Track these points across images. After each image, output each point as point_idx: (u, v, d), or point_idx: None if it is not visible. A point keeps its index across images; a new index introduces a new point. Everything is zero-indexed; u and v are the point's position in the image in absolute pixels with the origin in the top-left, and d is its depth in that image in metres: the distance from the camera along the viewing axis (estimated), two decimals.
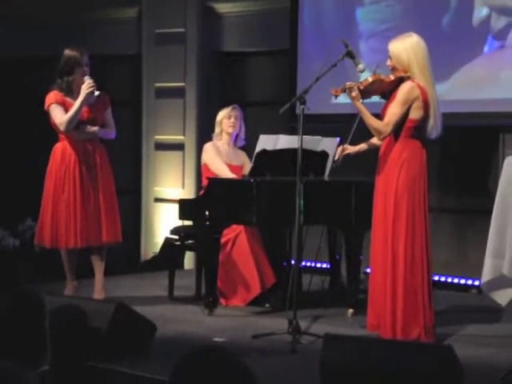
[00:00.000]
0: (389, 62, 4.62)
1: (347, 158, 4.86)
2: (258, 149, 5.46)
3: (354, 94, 4.55)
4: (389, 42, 4.67)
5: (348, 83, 4.62)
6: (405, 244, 4.49)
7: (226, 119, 5.96)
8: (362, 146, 4.90)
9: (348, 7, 6.93)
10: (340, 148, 4.88)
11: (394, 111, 4.54)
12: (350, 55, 4.74)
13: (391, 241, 4.51)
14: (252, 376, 1.69)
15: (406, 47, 4.55)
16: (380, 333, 4.56)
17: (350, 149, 4.85)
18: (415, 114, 4.55)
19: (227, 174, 5.75)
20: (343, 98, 4.82)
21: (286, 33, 7.09)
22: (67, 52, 5.44)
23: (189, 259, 7.18)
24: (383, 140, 4.64)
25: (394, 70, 4.60)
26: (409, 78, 4.56)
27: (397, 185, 4.53)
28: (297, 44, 7.04)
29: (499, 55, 6.25)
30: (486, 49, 6.33)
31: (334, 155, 5.06)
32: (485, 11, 6.30)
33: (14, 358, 1.96)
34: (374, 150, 4.86)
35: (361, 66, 4.71)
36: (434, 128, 4.57)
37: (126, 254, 7.34)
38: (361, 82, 4.61)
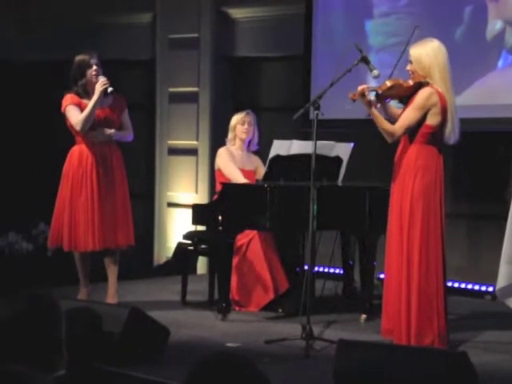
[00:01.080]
0: (409, 67, 4.60)
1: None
2: (271, 154, 5.46)
3: (368, 98, 4.54)
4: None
5: (365, 86, 4.58)
6: (419, 251, 4.48)
7: (240, 125, 5.95)
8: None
9: (357, 19, 6.82)
10: (365, 87, 4.58)
11: (408, 115, 4.53)
12: (365, 61, 4.73)
13: (406, 247, 4.50)
14: (268, 382, 1.69)
15: (428, 51, 4.54)
16: (393, 338, 4.54)
17: (372, 99, 4.55)
18: (432, 120, 4.53)
19: (240, 179, 5.75)
20: (357, 104, 4.80)
21: (300, 38, 7.09)
22: (77, 57, 5.53)
23: (202, 264, 7.18)
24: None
25: (413, 74, 4.58)
26: (428, 83, 4.54)
27: (412, 191, 4.51)
28: (311, 50, 7.02)
29: None
30: (499, 64, 6.21)
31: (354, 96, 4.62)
32: (499, 25, 6.17)
33: (30, 362, 1.96)
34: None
35: (375, 72, 4.69)
36: (451, 133, 4.55)
37: (138, 258, 7.35)
38: (379, 86, 4.59)
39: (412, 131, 4.56)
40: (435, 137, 4.56)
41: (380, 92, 4.56)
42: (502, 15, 6.18)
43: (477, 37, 6.25)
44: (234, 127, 5.97)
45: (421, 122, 4.53)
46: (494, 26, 6.20)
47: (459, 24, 6.32)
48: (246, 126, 5.94)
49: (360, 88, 4.57)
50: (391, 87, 4.57)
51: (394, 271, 4.56)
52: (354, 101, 4.62)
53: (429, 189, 4.52)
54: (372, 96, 4.55)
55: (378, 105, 4.60)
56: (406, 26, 6.37)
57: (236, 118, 5.98)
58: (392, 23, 6.62)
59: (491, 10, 6.22)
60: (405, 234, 4.50)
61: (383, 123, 4.57)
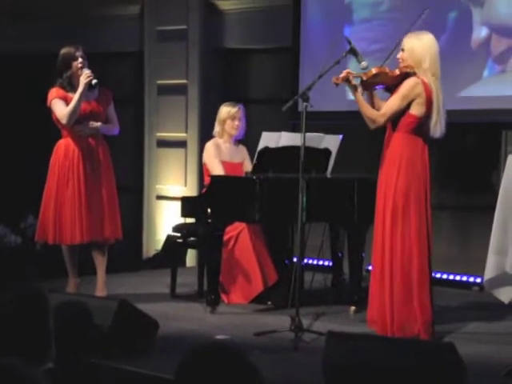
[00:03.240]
0: (399, 55, 4.61)
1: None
2: (260, 146, 5.45)
3: (353, 83, 4.55)
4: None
5: (349, 71, 4.59)
6: (402, 243, 4.49)
7: (230, 120, 5.83)
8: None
9: (336, 24, 6.67)
10: (348, 72, 4.62)
11: (392, 103, 4.55)
12: (353, 52, 4.74)
13: (389, 239, 4.51)
14: (258, 373, 1.69)
15: (423, 42, 4.56)
16: (376, 329, 4.56)
17: (357, 85, 4.62)
18: (416, 109, 4.54)
19: None
20: (345, 96, 4.80)
21: (289, 30, 7.09)
22: (62, 50, 5.56)
23: (191, 257, 7.18)
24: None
25: (403, 62, 4.58)
26: (414, 73, 4.55)
27: (396, 184, 4.53)
28: (299, 41, 7.01)
29: (500, 80, 6.01)
30: (485, 73, 6.11)
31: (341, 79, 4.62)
32: (484, 32, 6.05)
33: (18, 355, 1.96)
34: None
35: (364, 64, 4.69)
36: (437, 125, 4.55)
37: (127, 251, 7.35)
38: (365, 73, 4.59)
39: (395, 120, 4.57)
40: (420, 128, 4.57)
41: (365, 78, 4.57)
42: (487, 21, 6.05)
43: (461, 45, 6.10)
44: (224, 121, 5.85)
45: (404, 111, 4.54)
46: (479, 33, 6.06)
47: (443, 31, 6.11)
48: (236, 122, 5.84)
49: (344, 72, 4.58)
50: (376, 75, 4.57)
51: (378, 263, 4.58)
52: (337, 85, 4.62)
53: (413, 182, 4.53)
54: (357, 82, 4.56)
55: (362, 90, 4.61)
56: (387, 33, 6.21)
57: (226, 112, 5.83)
58: (373, 29, 6.47)
59: (476, 15, 6.09)
60: (387, 225, 4.52)
61: (366, 109, 4.59)
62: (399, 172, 4.53)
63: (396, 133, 4.58)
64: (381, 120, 4.56)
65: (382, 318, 4.54)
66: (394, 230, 4.51)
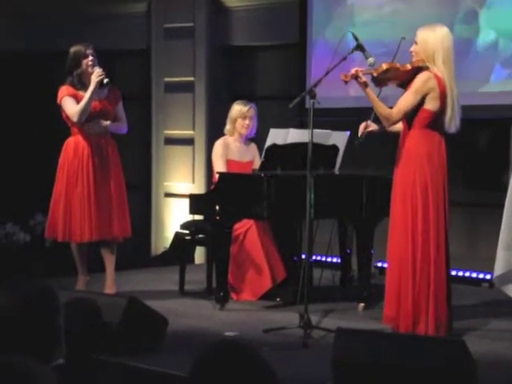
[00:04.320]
0: (413, 48, 4.57)
1: (368, 140, 4.73)
2: (268, 143, 5.43)
3: (363, 80, 4.52)
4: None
5: (358, 68, 4.55)
6: (422, 238, 4.43)
7: (241, 119, 5.79)
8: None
9: (340, 26, 6.57)
10: (363, 124, 4.76)
11: (405, 99, 4.50)
12: (360, 48, 4.72)
13: (411, 235, 4.43)
14: (272, 371, 1.69)
15: (436, 35, 4.50)
16: (394, 326, 4.52)
17: (373, 126, 4.75)
18: (431, 104, 4.48)
19: None
20: (353, 92, 4.79)
21: (295, 26, 7.08)
22: (72, 48, 5.55)
23: (199, 254, 7.19)
24: (390, 127, 4.59)
25: (415, 56, 4.54)
26: (427, 68, 4.51)
27: (414, 179, 4.46)
28: (306, 38, 7.00)
29: (507, 86, 5.96)
30: (492, 78, 6.05)
31: (360, 135, 4.81)
32: (491, 36, 5.96)
33: (28, 352, 1.97)
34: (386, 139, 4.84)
35: (371, 60, 4.67)
36: (452, 120, 4.48)
37: (136, 248, 7.35)
38: (375, 69, 4.56)
39: (410, 116, 4.53)
40: (435, 122, 4.50)
41: (375, 75, 4.53)
42: (494, 25, 5.98)
43: (468, 49, 6.02)
44: (235, 120, 5.81)
45: (419, 106, 4.50)
46: (486, 36, 5.99)
47: None
48: (247, 121, 5.80)
49: (353, 70, 4.54)
50: (387, 70, 4.53)
51: (396, 259, 4.50)
52: (346, 83, 4.59)
53: (431, 177, 4.45)
54: (367, 79, 4.54)
55: (378, 89, 4.58)
56: (392, 35, 5.94)
57: (238, 111, 5.79)
58: (377, 32, 6.39)
59: (482, 18, 6.03)
60: (408, 221, 4.44)
61: (379, 106, 4.53)
62: (416, 168, 4.47)
63: (412, 130, 4.52)
64: (395, 117, 4.51)
65: (399, 315, 4.48)
66: (414, 226, 4.44)
